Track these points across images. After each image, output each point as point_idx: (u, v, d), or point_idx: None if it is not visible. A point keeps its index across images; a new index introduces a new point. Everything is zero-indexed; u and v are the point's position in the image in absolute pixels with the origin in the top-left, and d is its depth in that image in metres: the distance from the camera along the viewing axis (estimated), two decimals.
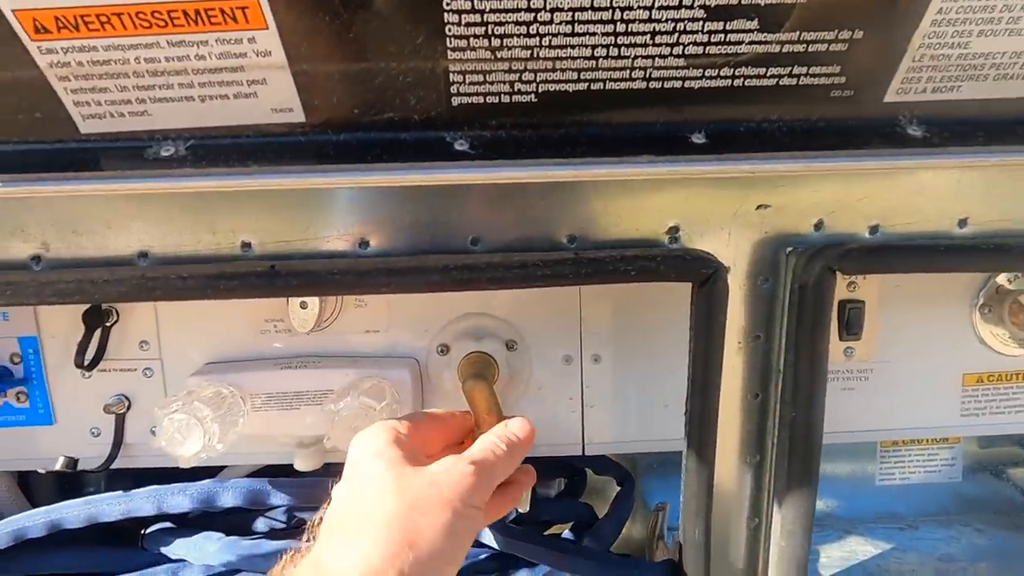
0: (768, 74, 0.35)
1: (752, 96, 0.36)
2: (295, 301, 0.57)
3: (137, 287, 0.40)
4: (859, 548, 0.71)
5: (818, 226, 0.47)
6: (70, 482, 0.70)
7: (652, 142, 0.37)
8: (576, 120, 0.36)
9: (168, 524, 0.60)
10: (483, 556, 0.62)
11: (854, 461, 0.78)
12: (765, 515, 0.54)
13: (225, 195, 0.45)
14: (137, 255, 0.47)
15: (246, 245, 0.47)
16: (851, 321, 0.57)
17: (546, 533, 0.59)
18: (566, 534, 0.63)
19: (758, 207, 0.46)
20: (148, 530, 0.60)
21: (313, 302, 0.57)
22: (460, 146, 0.36)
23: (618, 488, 0.65)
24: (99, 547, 0.59)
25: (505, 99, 0.35)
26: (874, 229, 0.47)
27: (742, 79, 0.35)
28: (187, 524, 0.61)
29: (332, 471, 0.60)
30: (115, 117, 0.34)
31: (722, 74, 0.35)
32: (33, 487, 0.69)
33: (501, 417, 0.51)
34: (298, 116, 0.35)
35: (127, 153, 0.36)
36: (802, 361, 0.45)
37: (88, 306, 0.56)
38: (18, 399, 0.60)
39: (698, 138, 0.37)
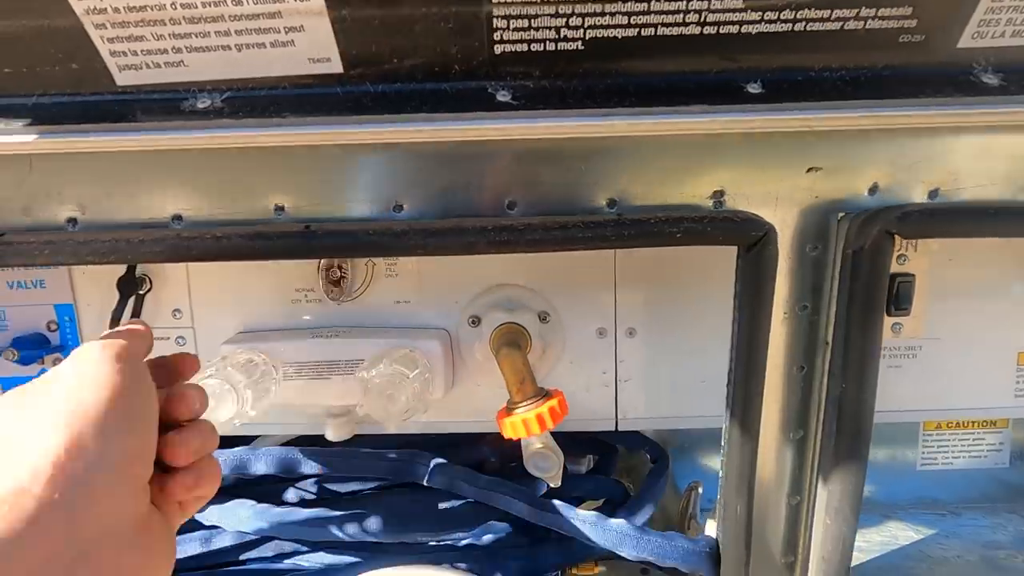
0: (832, 17, 0.33)
1: (813, 42, 0.34)
2: (325, 270, 0.56)
3: (173, 247, 0.39)
4: (899, 533, 0.68)
5: (872, 190, 0.45)
6: None
7: (705, 92, 0.35)
8: (625, 69, 0.35)
9: None
10: (512, 531, 0.61)
11: (893, 445, 0.75)
12: (808, 493, 0.52)
13: (258, 157, 0.44)
14: (171, 218, 0.47)
15: (279, 208, 0.46)
16: (900, 295, 0.54)
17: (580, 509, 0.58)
18: (597, 511, 0.62)
19: (809, 170, 0.44)
20: None
21: (344, 271, 0.56)
22: (502, 97, 0.34)
23: (651, 466, 0.63)
24: None
25: (550, 47, 0.33)
26: (933, 194, 0.45)
27: (803, 23, 0.33)
28: (219, 493, 0.62)
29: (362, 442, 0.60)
30: (151, 68, 0.33)
31: (782, 18, 0.33)
32: None
33: (535, 387, 0.50)
34: (336, 66, 0.33)
35: (163, 106, 0.35)
36: (853, 332, 0.43)
37: (122, 273, 0.56)
38: (54, 365, 0.61)
39: (754, 88, 0.35)
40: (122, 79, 0.34)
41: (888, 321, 0.56)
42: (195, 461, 0.33)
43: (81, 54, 0.33)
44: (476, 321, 0.57)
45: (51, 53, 0.34)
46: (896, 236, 0.40)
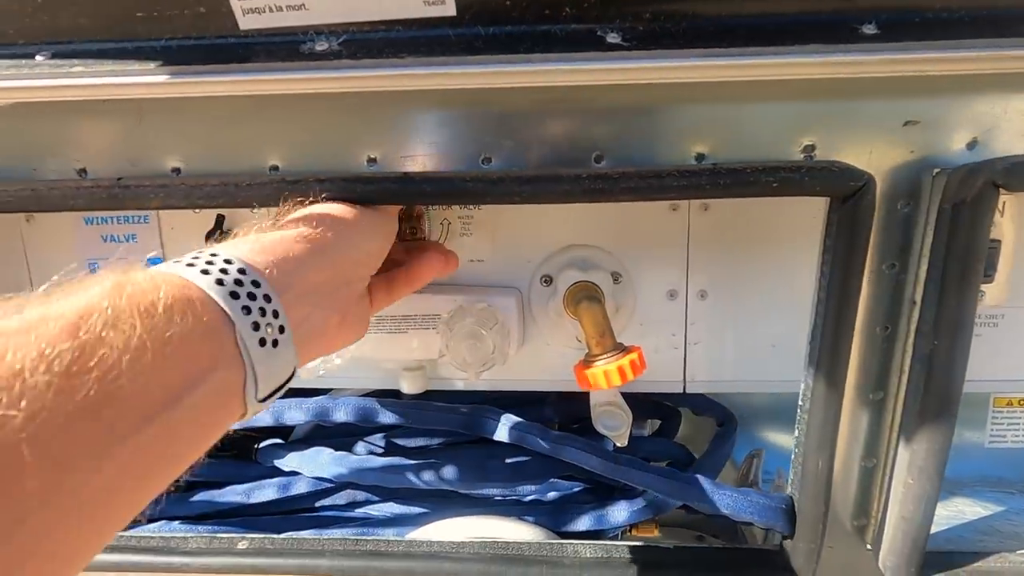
0: None
1: None
2: (404, 229, 0.58)
3: (278, 190, 0.41)
4: (967, 509, 0.67)
5: (971, 145, 0.44)
6: None
7: (818, 32, 0.34)
8: (736, 9, 0.35)
9: (279, 440, 0.64)
10: (577, 489, 0.62)
11: (960, 422, 0.74)
12: (885, 456, 0.52)
13: (351, 108, 0.46)
14: (268, 169, 0.49)
15: (372, 160, 0.48)
16: (987, 262, 0.53)
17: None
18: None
19: (907, 123, 0.44)
20: (261, 445, 0.63)
21: (421, 228, 0.58)
22: (613, 38, 0.35)
23: (716, 430, 0.64)
24: (217, 458, 0.63)
25: None
26: None
27: None
28: (298, 441, 0.64)
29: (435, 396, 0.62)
30: (273, 12, 0.35)
31: None
32: None
33: (615, 341, 0.50)
34: (449, 8, 0.34)
35: (284, 48, 0.36)
36: (949, 291, 0.42)
37: (210, 228, 0.58)
38: None
39: (869, 28, 0.34)
40: (245, 23, 0.35)
41: None
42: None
43: None
44: (548, 280, 0.58)
45: None
46: (1001, 188, 0.39)
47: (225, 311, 0.27)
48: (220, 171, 0.49)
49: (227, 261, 0.29)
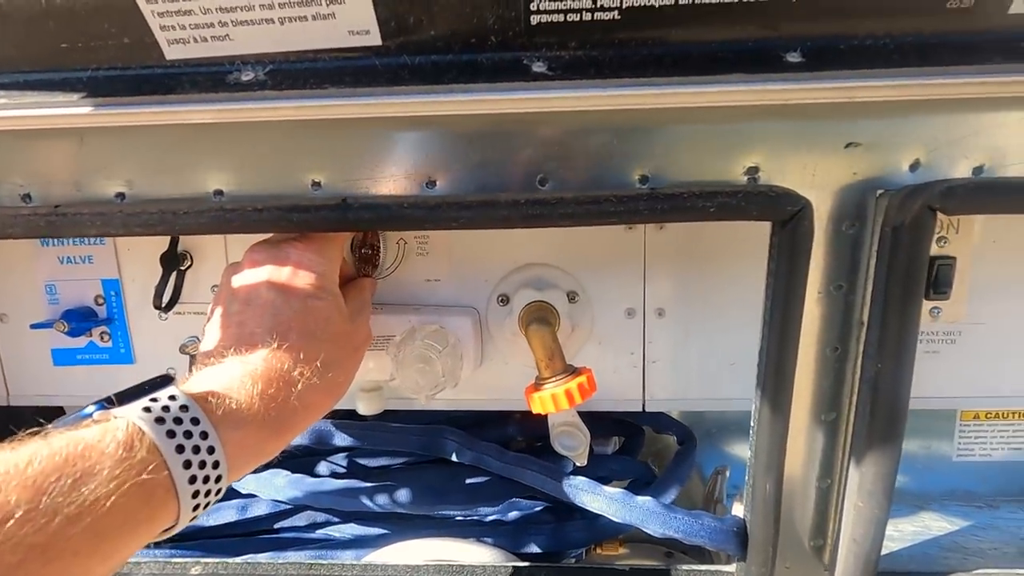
0: None
1: (857, 8, 0.33)
2: (358, 248, 0.58)
3: (216, 219, 0.41)
4: (933, 524, 0.67)
5: (914, 167, 0.44)
6: None
7: (743, 61, 0.34)
8: (661, 38, 0.34)
9: None
10: (539, 508, 0.62)
11: (928, 436, 0.74)
12: (838, 476, 0.52)
13: (296, 134, 0.46)
14: (213, 193, 0.48)
15: (316, 184, 0.47)
16: (939, 279, 0.53)
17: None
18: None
19: (848, 145, 0.43)
20: None
21: (376, 249, 0.58)
22: (538, 68, 0.34)
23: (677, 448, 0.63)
24: None
25: (587, 16, 0.34)
26: (978, 171, 0.44)
27: None
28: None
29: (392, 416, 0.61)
30: (199, 42, 0.34)
31: None
32: None
33: (564, 364, 0.50)
34: (374, 38, 0.34)
35: (210, 79, 0.36)
36: (891, 311, 0.42)
37: (165, 249, 0.58)
38: (101, 339, 0.63)
39: (793, 57, 0.34)
40: (171, 53, 0.35)
41: (927, 305, 0.55)
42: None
43: (133, 28, 0.35)
44: (505, 300, 0.57)
45: (105, 28, 0.35)
46: (938, 212, 0.39)
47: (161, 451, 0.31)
48: (165, 195, 0.49)
49: (171, 397, 0.33)
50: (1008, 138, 0.43)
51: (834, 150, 0.44)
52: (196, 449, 0.31)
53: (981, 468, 0.73)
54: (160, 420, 0.31)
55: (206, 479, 0.32)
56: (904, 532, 0.65)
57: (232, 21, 0.34)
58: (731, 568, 0.52)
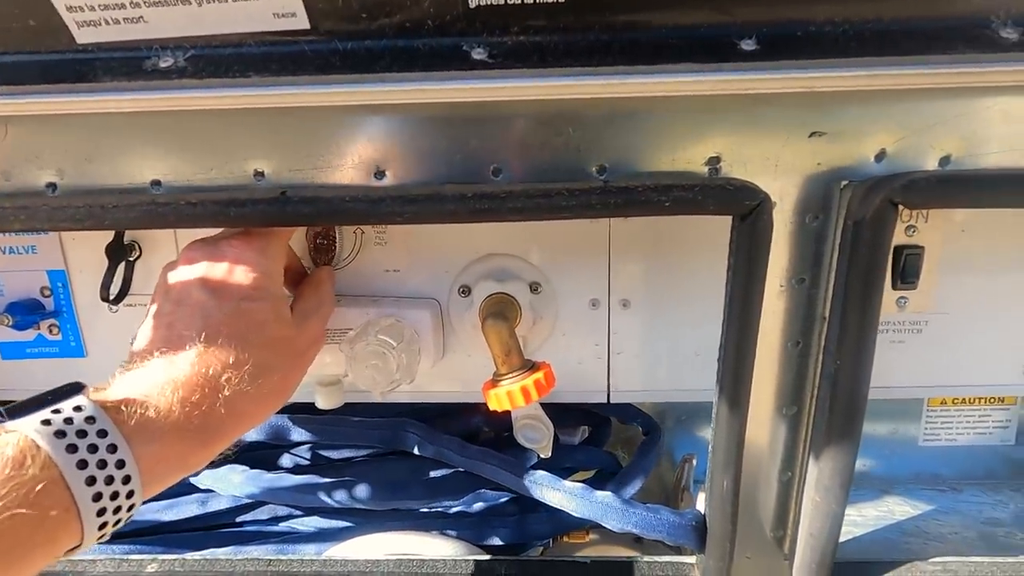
0: None
1: None
2: (314, 238, 0.55)
3: (148, 213, 0.39)
4: (897, 508, 0.68)
5: (880, 157, 0.42)
6: None
7: (694, 49, 0.32)
8: (608, 23, 0.32)
9: None
10: (504, 500, 0.62)
11: (895, 420, 0.74)
12: (799, 469, 0.51)
13: (236, 120, 0.43)
14: (150, 184, 0.46)
15: (259, 174, 0.45)
16: (907, 268, 0.52)
17: (569, 480, 0.58)
18: (589, 481, 0.62)
19: (811, 134, 0.42)
20: None
21: (332, 238, 0.55)
22: (478, 54, 0.32)
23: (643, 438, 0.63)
24: None
25: (529, 0, 0.31)
26: (945, 161, 0.42)
27: None
28: (221, 458, 0.63)
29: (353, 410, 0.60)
30: (111, 24, 0.32)
31: None
32: None
33: (522, 360, 0.49)
34: (302, 22, 0.32)
35: (125, 65, 0.34)
36: (851, 307, 0.41)
37: (110, 239, 0.55)
38: (50, 331, 0.61)
39: (748, 44, 0.32)
40: (81, 36, 0.32)
41: (893, 295, 0.54)
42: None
43: (38, 10, 0.32)
44: (466, 291, 0.56)
45: (8, 10, 0.32)
46: (900, 206, 0.38)
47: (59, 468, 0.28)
48: (99, 186, 0.46)
49: (77, 408, 0.31)
50: (975, 127, 0.41)
51: (798, 139, 0.42)
52: (102, 464, 0.29)
53: (946, 452, 0.73)
54: (60, 433, 0.29)
55: (114, 495, 0.30)
56: (868, 517, 0.66)
57: (146, 1, 0.31)
58: (691, 560, 0.52)
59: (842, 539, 0.48)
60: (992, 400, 0.71)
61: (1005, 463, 0.74)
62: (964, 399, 0.71)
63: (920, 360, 0.56)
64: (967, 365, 0.57)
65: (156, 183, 0.46)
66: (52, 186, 0.46)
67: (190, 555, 0.55)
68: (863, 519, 0.65)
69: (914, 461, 0.74)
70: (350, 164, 0.44)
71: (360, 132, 0.43)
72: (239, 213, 0.39)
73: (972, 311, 0.55)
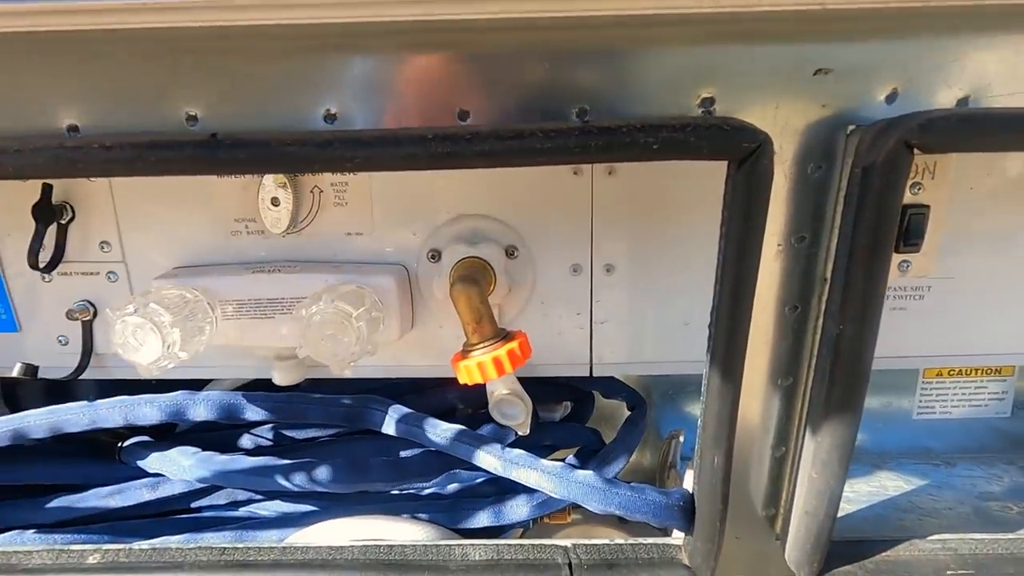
0: None
1: None
2: (266, 197, 0.50)
3: (56, 158, 0.33)
4: (889, 483, 0.65)
5: (891, 97, 0.38)
6: (65, 399, 0.67)
7: None
8: None
9: (146, 438, 0.57)
10: (480, 480, 0.58)
11: (888, 393, 0.71)
12: (794, 444, 0.48)
13: (163, 51, 0.37)
14: (67, 130, 0.40)
15: (192, 118, 0.40)
16: (911, 229, 0.48)
17: (550, 459, 0.55)
18: (571, 460, 0.58)
19: (817, 72, 0.37)
20: (125, 443, 0.56)
21: (286, 198, 0.50)
22: None
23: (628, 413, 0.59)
24: (75, 459, 0.56)
25: None
26: (963, 102, 0.38)
27: None
28: (174, 439, 0.58)
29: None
30: None
31: None
32: (23, 403, 0.67)
33: (494, 328, 0.45)
34: None
35: None
36: (856, 265, 0.37)
37: (37, 200, 0.50)
38: None
39: None
40: None
41: (896, 258, 0.50)
42: None
43: None
44: (436, 256, 0.51)
45: None
46: (916, 150, 0.33)
47: None
48: (9, 130, 0.41)
49: None
50: (996, 64, 0.37)
51: (801, 78, 0.38)
52: None
53: (940, 425, 0.71)
54: None
55: None
56: (860, 493, 0.63)
57: None
58: (678, 541, 0.48)
59: None
60: (989, 371, 0.68)
61: (999, 436, 0.72)
62: (960, 370, 0.68)
63: (922, 327, 0.53)
64: (970, 332, 0.53)
65: (73, 129, 0.40)
66: None
67: (137, 544, 0.50)
68: (855, 495, 0.62)
69: (907, 435, 0.71)
70: (295, 107, 0.39)
71: (301, 66, 0.38)
72: (162, 158, 0.33)
73: (978, 276, 0.52)
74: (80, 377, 0.54)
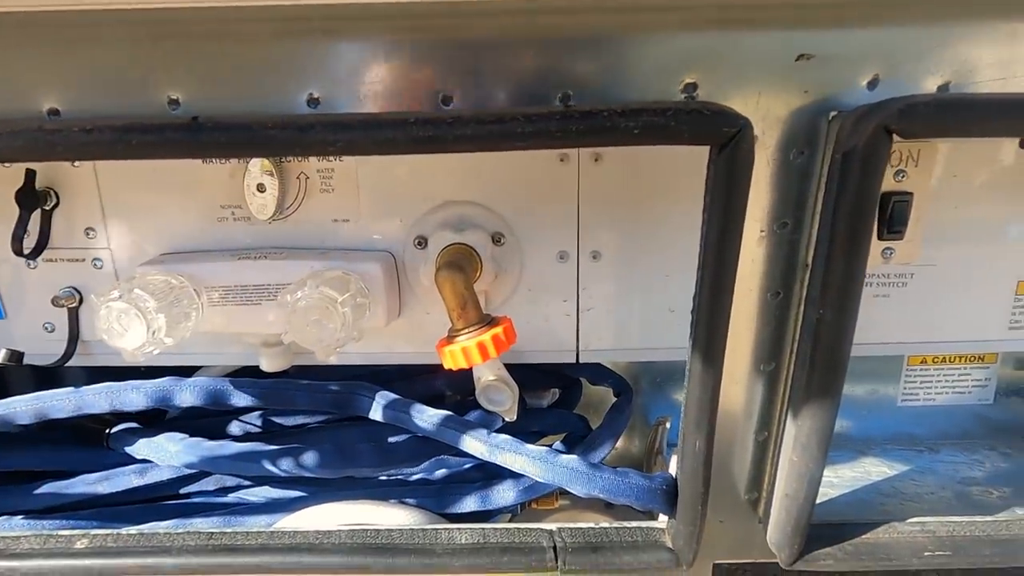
0: None
1: None
2: (251, 184, 0.50)
3: (35, 141, 0.33)
4: (873, 469, 0.66)
5: (873, 84, 0.38)
6: (52, 385, 0.67)
7: None
8: None
9: (133, 424, 0.57)
10: (468, 466, 0.58)
11: (873, 380, 0.72)
12: (776, 429, 0.49)
13: (145, 36, 0.37)
14: (47, 113, 0.40)
15: (174, 102, 0.39)
16: (895, 216, 0.49)
17: (537, 444, 0.55)
18: (557, 445, 0.58)
19: (799, 57, 0.37)
20: (113, 430, 0.56)
21: (272, 185, 0.50)
22: None
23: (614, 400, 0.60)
24: (62, 445, 0.56)
25: None
26: (944, 88, 0.38)
27: None
28: (162, 425, 0.58)
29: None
30: None
31: None
32: (11, 390, 0.66)
33: (479, 313, 0.45)
34: None
35: None
36: (836, 251, 0.37)
37: (20, 185, 0.49)
38: None
39: None
40: None
41: (879, 246, 0.51)
42: None
43: None
44: (423, 242, 0.51)
45: None
46: (895, 136, 0.34)
47: None
48: None
49: None
50: (977, 51, 0.37)
51: (783, 64, 0.38)
52: None
53: (924, 412, 0.72)
54: None
55: None
56: (844, 478, 0.64)
57: None
58: (662, 525, 0.49)
59: (817, 501, 0.46)
60: (972, 358, 0.69)
61: (981, 423, 0.73)
62: (944, 358, 0.69)
63: (904, 314, 0.53)
64: (952, 319, 0.54)
65: (54, 112, 0.40)
66: None
67: (125, 530, 0.51)
68: (839, 480, 0.63)
69: (891, 422, 0.72)
70: (278, 91, 0.39)
71: (283, 52, 0.38)
72: (143, 141, 0.33)
73: (960, 263, 0.52)
74: (68, 364, 0.54)
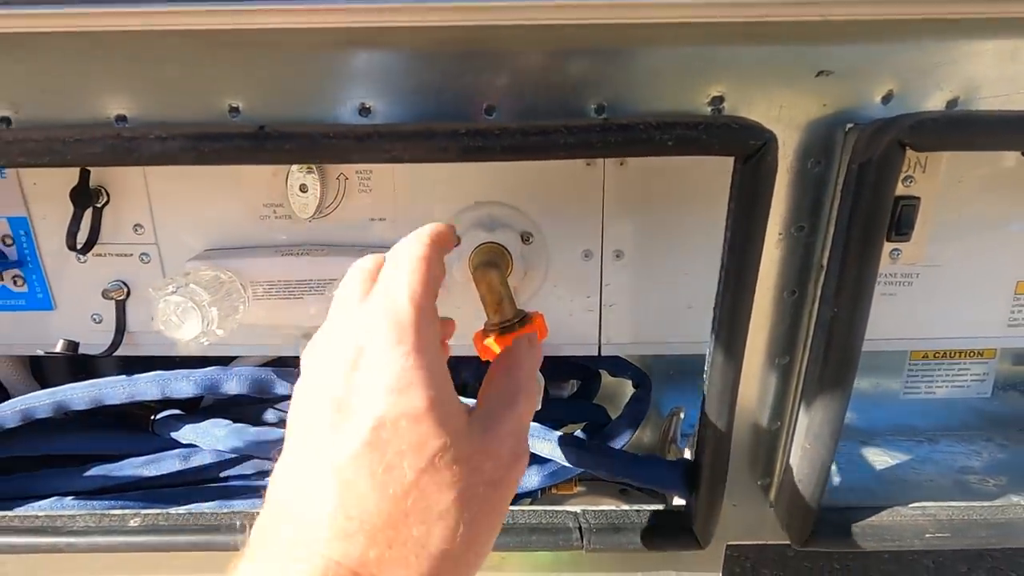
0: None
1: None
2: (294, 184, 0.53)
3: (112, 148, 0.36)
4: (875, 458, 0.69)
5: (887, 98, 0.41)
6: (86, 374, 0.70)
7: None
8: None
9: (177, 411, 0.60)
10: None
11: (877, 373, 0.75)
12: (788, 419, 0.52)
13: (209, 48, 0.40)
14: (115, 119, 0.43)
15: (234, 110, 0.42)
16: (903, 219, 0.51)
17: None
18: (578, 434, 0.62)
19: (819, 73, 0.40)
20: (158, 416, 0.59)
21: (313, 185, 0.53)
22: None
23: (633, 391, 0.63)
24: (110, 430, 0.59)
25: None
26: (952, 104, 0.41)
27: None
28: (198, 414, 0.61)
29: None
30: None
31: None
32: (48, 377, 0.69)
33: (514, 308, 0.48)
34: None
35: None
36: (851, 254, 0.40)
37: (75, 184, 0.52)
38: (15, 283, 0.58)
39: None
40: None
41: (887, 247, 0.54)
42: None
43: None
44: (456, 240, 0.54)
45: None
46: (908, 148, 0.36)
47: None
48: (59, 120, 0.43)
49: None
50: (984, 68, 0.40)
51: (804, 79, 0.40)
52: None
53: (924, 404, 0.75)
54: None
55: None
56: (848, 467, 0.67)
57: None
58: (678, 508, 0.52)
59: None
60: (972, 354, 0.72)
61: (979, 415, 0.76)
62: (945, 353, 0.72)
63: (909, 312, 0.56)
64: (954, 317, 0.57)
65: (121, 118, 0.42)
66: (5, 121, 0.43)
67: (174, 509, 0.54)
68: (842, 468, 0.67)
69: (894, 413, 0.75)
70: (334, 100, 0.42)
71: (344, 65, 0.40)
72: (213, 149, 0.36)
73: (963, 263, 0.55)
74: (106, 356, 0.57)
